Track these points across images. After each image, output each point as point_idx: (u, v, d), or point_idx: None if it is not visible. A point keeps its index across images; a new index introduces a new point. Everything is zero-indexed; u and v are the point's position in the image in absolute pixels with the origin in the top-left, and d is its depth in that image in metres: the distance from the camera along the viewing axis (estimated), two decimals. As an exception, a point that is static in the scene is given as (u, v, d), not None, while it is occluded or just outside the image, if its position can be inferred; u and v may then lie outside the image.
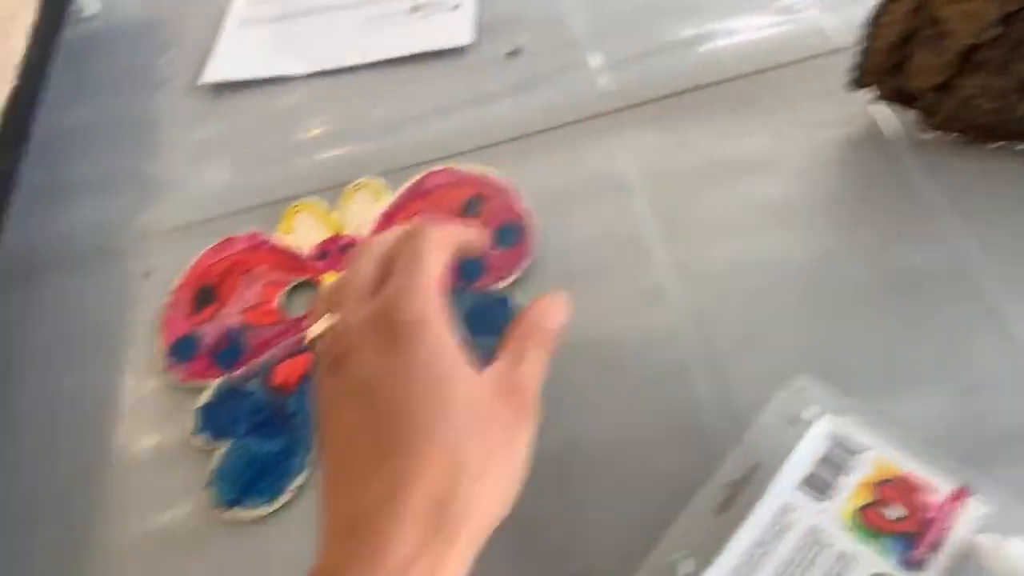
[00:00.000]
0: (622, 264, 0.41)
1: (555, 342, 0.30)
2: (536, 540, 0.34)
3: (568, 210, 0.44)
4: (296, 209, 0.46)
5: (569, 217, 0.43)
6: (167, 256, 0.47)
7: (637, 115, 0.47)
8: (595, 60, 0.50)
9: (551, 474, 0.33)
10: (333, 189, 0.47)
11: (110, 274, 0.47)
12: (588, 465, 0.35)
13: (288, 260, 0.44)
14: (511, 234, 0.42)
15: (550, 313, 0.31)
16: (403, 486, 0.24)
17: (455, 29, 0.54)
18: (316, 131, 0.51)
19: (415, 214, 0.44)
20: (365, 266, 0.29)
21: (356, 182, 0.46)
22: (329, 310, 0.29)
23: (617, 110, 0.47)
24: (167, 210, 0.50)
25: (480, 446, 0.26)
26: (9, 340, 0.46)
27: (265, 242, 0.45)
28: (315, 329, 0.29)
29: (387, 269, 0.29)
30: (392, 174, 0.47)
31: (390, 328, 0.26)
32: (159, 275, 0.46)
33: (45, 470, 0.40)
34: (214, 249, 0.45)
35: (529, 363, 0.29)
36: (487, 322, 0.38)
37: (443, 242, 0.30)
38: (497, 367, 0.28)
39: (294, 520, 0.36)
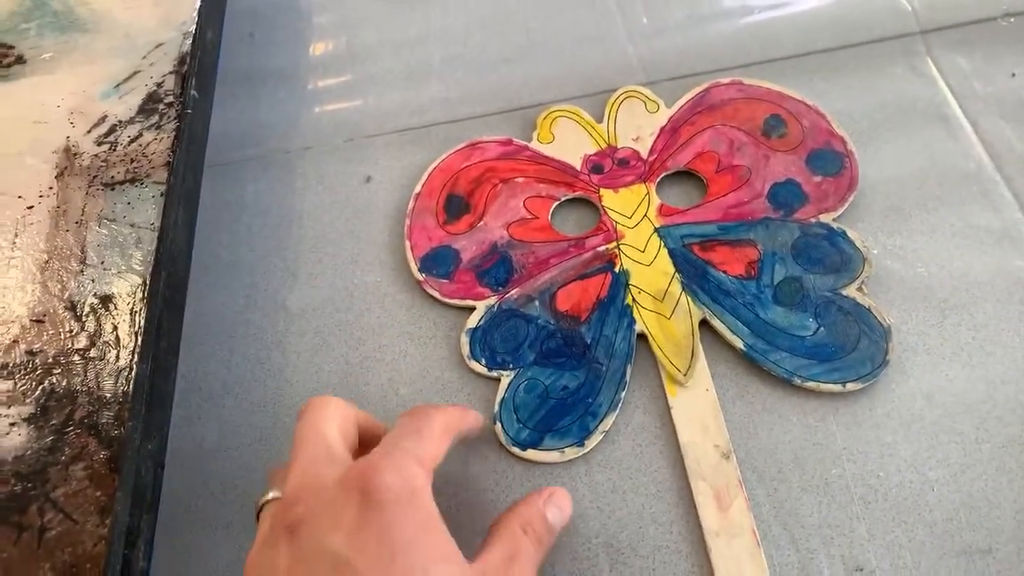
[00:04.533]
0: (959, 201, 0.36)
1: (551, 543, 0.27)
2: None
3: (876, 138, 0.38)
4: (552, 116, 0.40)
5: (880, 146, 0.38)
6: (386, 162, 0.42)
7: (948, 38, 0.41)
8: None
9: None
10: (589, 97, 0.42)
11: (325, 175, 0.42)
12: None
13: (556, 172, 0.38)
14: (830, 161, 0.36)
15: (557, 508, 0.28)
16: None
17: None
18: (560, 31, 0.45)
19: (704, 129, 0.38)
20: (331, 429, 0.26)
21: (623, 90, 0.41)
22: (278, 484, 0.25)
23: (925, 31, 0.41)
24: (383, 112, 0.44)
25: None
26: (211, 238, 0.40)
27: (523, 149, 0.39)
28: (270, 494, 0.25)
29: (361, 440, 0.27)
30: (656, 84, 0.41)
31: (365, 497, 0.22)
32: (380, 181, 0.41)
33: (285, 390, 0.35)
34: (461, 153, 0.40)
35: (525, 561, 0.25)
36: (815, 257, 0.34)
37: (450, 428, 0.27)
38: (488, 558, 0.25)
39: (600, 465, 0.31)
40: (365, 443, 0.27)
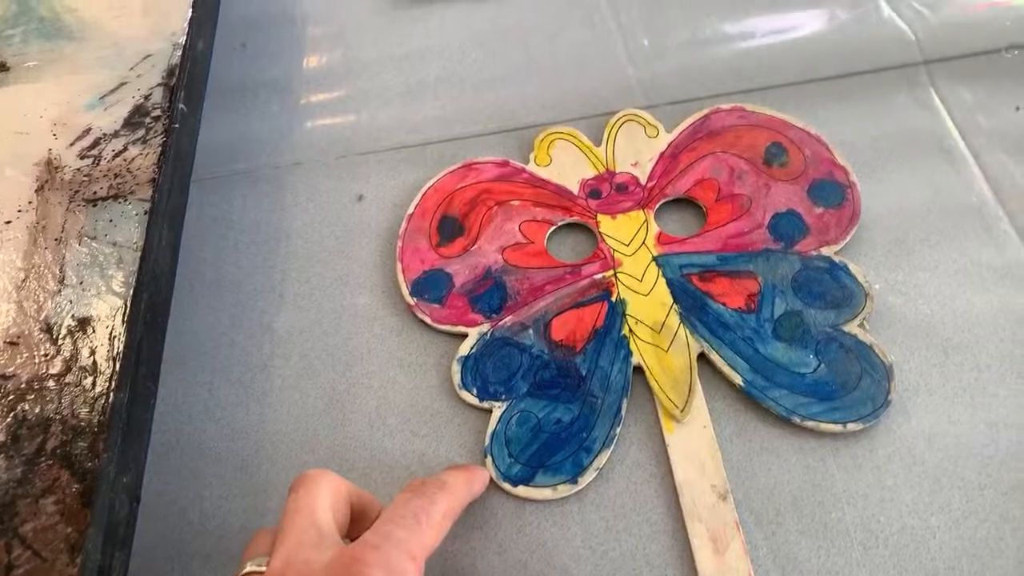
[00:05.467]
0: (961, 236, 0.35)
1: None
2: None
3: (878, 169, 0.37)
4: (550, 138, 0.39)
5: (882, 177, 0.37)
6: (379, 181, 0.41)
7: (951, 69, 0.40)
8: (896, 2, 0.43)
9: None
10: (588, 119, 0.41)
11: (315, 192, 0.41)
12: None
13: (553, 196, 0.37)
14: (832, 193, 0.35)
15: None
16: None
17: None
18: (559, 51, 0.44)
19: (704, 156, 0.37)
20: (322, 507, 0.24)
21: (622, 113, 0.40)
22: (263, 553, 0.24)
23: (928, 62, 0.41)
24: (377, 129, 0.43)
25: None
26: (196, 255, 0.39)
27: (520, 171, 0.38)
28: (247, 566, 0.24)
29: (353, 516, 0.26)
30: (656, 108, 0.41)
31: None
32: (372, 200, 0.40)
33: (268, 416, 0.34)
34: (456, 174, 0.39)
35: None
36: (817, 291, 0.33)
37: (452, 511, 0.26)
38: None
39: (593, 504, 0.30)
40: (357, 518, 0.26)
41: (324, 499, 0.25)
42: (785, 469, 0.31)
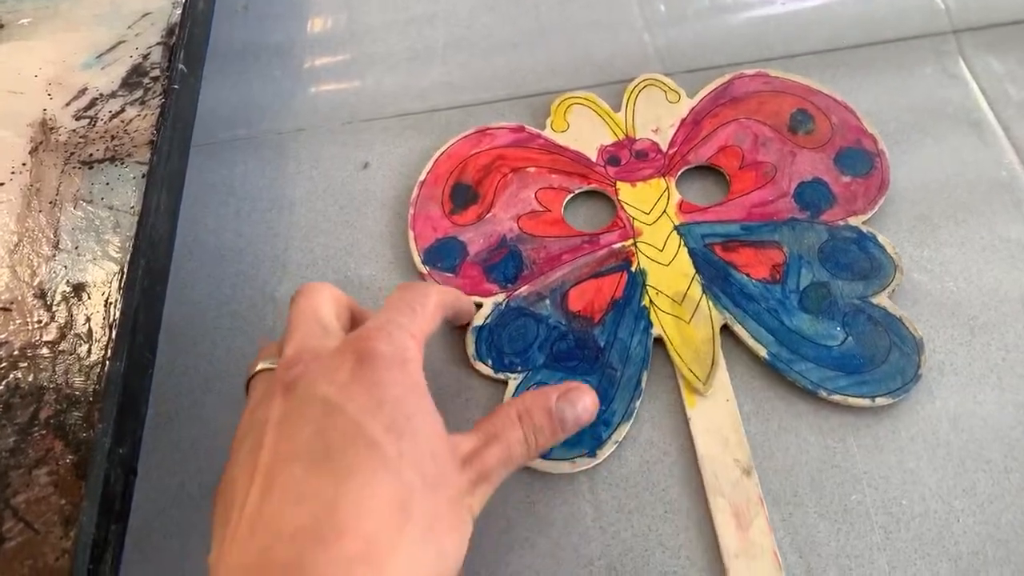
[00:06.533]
0: (989, 212, 0.34)
1: (554, 441, 0.26)
2: None
3: (904, 140, 0.36)
4: (567, 103, 0.38)
5: (908, 149, 0.36)
6: (384, 148, 0.39)
7: (981, 39, 0.39)
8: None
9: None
10: (602, 87, 0.39)
11: (319, 159, 0.39)
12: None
13: (569, 162, 0.36)
14: (860, 161, 0.34)
15: (570, 404, 0.26)
16: (342, 519, 0.20)
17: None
18: (572, 16, 0.43)
19: (727, 123, 0.36)
20: (326, 309, 0.26)
21: (643, 77, 0.38)
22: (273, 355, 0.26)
23: (957, 31, 0.39)
24: (382, 95, 0.41)
25: (430, 503, 0.22)
26: (197, 223, 0.38)
27: (535, 137, 0.37)
28: (260, 364, 0.26)
29: (356, 323, 0.27)
30: (673, 76, 0.39)
31: (359, 359, 0.23)
32: (378, 167, 0.39)
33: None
34: (469, 140, 0.37)
35: (507, 446, 0.25)
36: (844, 262, 0.32)
37: (443, 304, 0.27)
38: (469, 433, 0.25)
39: (606, 482, 0.29)
40: (356, 325, 0.27)
41: (326, 303, 0.26)
42: (804, 449, 0.29)
